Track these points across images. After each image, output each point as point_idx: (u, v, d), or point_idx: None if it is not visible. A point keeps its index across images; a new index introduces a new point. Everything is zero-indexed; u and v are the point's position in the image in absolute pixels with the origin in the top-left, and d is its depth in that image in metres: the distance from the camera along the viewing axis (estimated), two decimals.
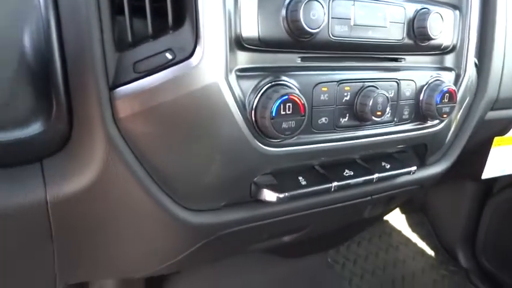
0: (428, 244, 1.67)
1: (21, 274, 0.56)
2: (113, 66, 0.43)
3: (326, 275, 1.41)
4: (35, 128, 0.44)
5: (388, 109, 0.56)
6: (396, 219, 1.73)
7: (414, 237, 1.69)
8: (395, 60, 0.62)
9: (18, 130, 0.44)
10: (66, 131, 0.46)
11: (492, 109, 0.85)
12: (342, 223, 0.85)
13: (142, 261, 0.59)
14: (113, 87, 0.43)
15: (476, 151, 0.89)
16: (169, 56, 0.42)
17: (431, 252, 1.65)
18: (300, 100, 0.47)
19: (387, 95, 0.56)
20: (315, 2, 0.46)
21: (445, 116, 0.63)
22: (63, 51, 0.43)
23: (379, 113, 0.55)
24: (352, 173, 0.60)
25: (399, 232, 1.70)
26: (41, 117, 0.45)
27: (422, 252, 1.65)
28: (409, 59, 0.63)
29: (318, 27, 0.47)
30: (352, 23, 0.53)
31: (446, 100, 0.62)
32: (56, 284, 0.59)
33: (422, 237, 1.67)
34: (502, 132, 0.93)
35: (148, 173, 0.46)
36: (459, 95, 0.67)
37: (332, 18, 0.50)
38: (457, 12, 0.65)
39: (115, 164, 0.44)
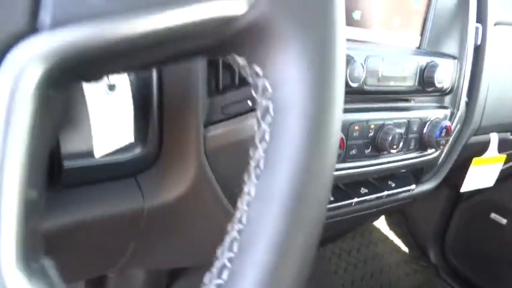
0: (404, 241, 1.86)
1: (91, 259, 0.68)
2: (206, 109, 0.55)
3: (318, 268, 1.57)
4: (133, 153, 0.56)
5: (401, 143, 0.71)
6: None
7: (392, 235, 1.88)
8: (407, 101, 0.76)
9: (119, 154, 0.55)
10: (157, 153, 0.58)
11: (474, 135, 1.01)
12: (344, 228, 1.00)
13: (202, 252, 0.72)
14: (205, 125, 0.55)
15: (458, 168, 1.06)
16: (249, 103, 0.55)
17: (405, 249, 1.85)
18: (340, 137, 0.61)
19: (401, 131, 0.71)
20: (357, 63, 0.60)
21: (441, 146, 0.79)
22: (162, 92, 0.55)
23: (394, 146, 0.70)
24: (367, 191, 0.75)
25: (379, 230, 1.88)
26: (139, 144, 0.56)
27: (398, 248, 1.85)
28: (417, 100, 0.78)
29: (358, 82, 0.61)
30: (380, 75, 0.67)
31: (443, 134, 0.77)
32: (113, 266, 0.71)
33: (399, 235, 1.87)
34: (480, 153, 1.10)
35: (223, 190, 0.59)
36: (453, 129, 0.83)
37: (367, 72, 0.64)
38: (456, 61, 0.81)
39: (201, 183, 0.56)
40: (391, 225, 1.90)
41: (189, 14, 0.18)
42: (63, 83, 0.19)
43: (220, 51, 0.23)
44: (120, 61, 0.19)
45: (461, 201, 1.70)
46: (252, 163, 0.22)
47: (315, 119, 0.20)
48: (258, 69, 0.21)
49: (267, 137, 0.21)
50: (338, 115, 0.22)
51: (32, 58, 0.16)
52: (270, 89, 0.21)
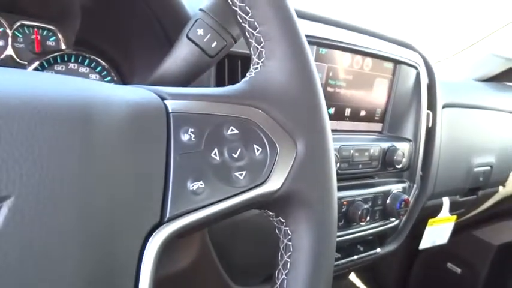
0: (369, 285, 1.99)
1: None
2: None
3: None
4: None
5: (368, 216, 0.84)
6: None
7: (358, 281, 2.00)
8: (372, 178, 0.91)
9: None
10: None
11: (429, 199, 1.17)
12: None
13: None
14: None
15: (416, 228, 1.21)
16: None
17: None
18: None
19: (368, 206, 0.84)
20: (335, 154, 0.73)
21: (401, 216, 0.93)
22: None
23: (363, 219, 0.83)
24: (339, 255, 0.87)
25: (349, 280, 2.00)
26: None
27: None
28: (380, 177, 0.92)
29: None
30: (351, 162, 0.81)
31: (403, 206, 0.91)
32: None
33: (366, 280, 1.99)
34: (434, 214, 1.26)
35: (221, 262, 0.69)
36: (411, 200, 0.97)
37: (340, 159, 0.78)
38: (412, 143, 0.96)
39: (204, 257, 0.67)
40: (359, 276, 2.03)
41: (253, 195, 0.30)
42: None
43: (256, 207, 0.34)
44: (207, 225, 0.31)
45: (420, 252, 1.86)
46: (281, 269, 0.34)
47: (320, 249, 0.32)
48: (282, 220, 0.33)
49: (288, 266, 0.33)
50: (334, 242, 0.34)
51: (160, 243, 0.27)
52: (290, 234, 0.33)
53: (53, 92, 0.25)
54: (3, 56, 0.66)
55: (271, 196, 0.31)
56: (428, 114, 1.04)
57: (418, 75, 0.97)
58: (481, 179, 1.37)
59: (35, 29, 0.70)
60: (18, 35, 0.68)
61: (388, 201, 0.92)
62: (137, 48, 0.69)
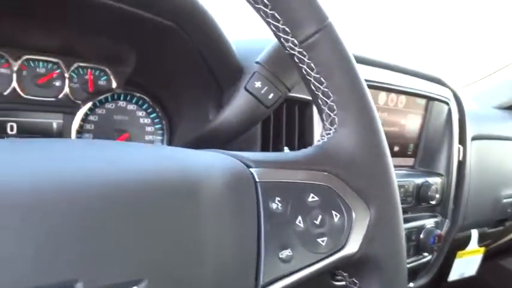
0: None
1: None
2: None
3: None
4: None
5: None
6: None
7: None
8: (406, 213, 0.92)
9: None
10: None
11: (458, 232, 1.17)
12: None
13: None
14: None
15: (445, 260, 1.21)
16: None
17: None
18: None
19: None
20: None
21: (435, 251, 0.93)
22: None
23: None
24: None
25: None
26: None
27: None
28: (413, 212, 0.93)
29: None
30: None
31: (437, 241, 0.92)
32: None
33: None
34: (463, 246, 1.25)
35: None
36: (443, 234, 0.98)
37: None
38: (444, 177, 0.97)
39: None
40: None
41: (334, 259, 0.32)
42: None
43: (334, 269, 0.36)
44: None
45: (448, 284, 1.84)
46: None
47: None
48: (356, 280, 0.35)
49: None
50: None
51: None
52: None
53: (156, 168, 0.28)
54: (60, 95, 0.70)
55: (349, 259, 0.33)
56: (459, 148, 1.05)
57: (449, 110, 0.99)
58: (509, 210, 1.36)
59: (89, 70, 0.74)
60: (74, 75, 0.72)
61: (421, 236, 0.92)
62: (185, 89, 0.72)
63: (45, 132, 0.70)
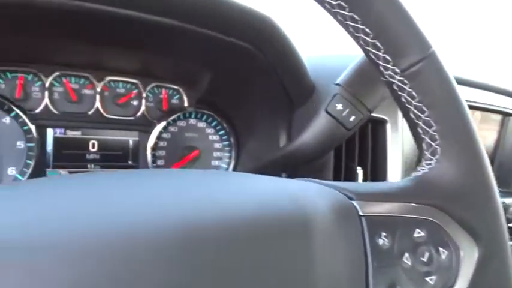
0: None
1: None
2: None
3: None
4: None
5: None
6: None
7: None
8: None
9: None
10: None
11: None
12: None
13: None
14: None
15: None
16: None
17: None
18: None
19: None
20: None
21: None
22: None
23: None
24: None
25: None
26: None
27: None
28: None
29: None
30: None
31: None
32: None
33: None
34: None
35: None
36: None
37: None
38: None
39: None
40: None
41: None
42: None
43: None
44: None
45: None
46: None
47: None
48: None
49: None
50: None
51: None
52: None
53: (265, 202, 0.28)
54: (138, 114, 0.73)
55: None
56: None
57: None
58: None
59: (164, 90, 0.77)
60: (150, 95, 0.75)
61: None
62: (256, 108, 0.73)
63: (122, 149, 0.73)
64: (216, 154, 0.81)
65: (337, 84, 0.53)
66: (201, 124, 0.80)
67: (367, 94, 0.51)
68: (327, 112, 0.52)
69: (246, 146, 0.80)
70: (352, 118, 0.51)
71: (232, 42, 0.55)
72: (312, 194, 0.31)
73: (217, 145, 0.81)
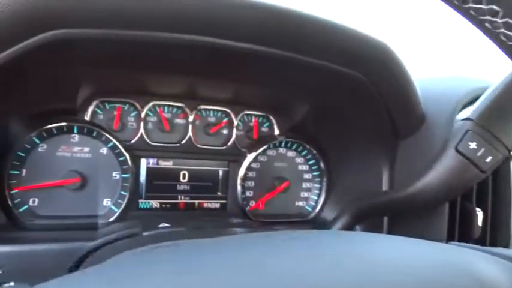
0: None
1: None
2: None
3: None
4: None
5: None
6: None
7: None
8: None
9: None
10: None
11: None
12: None
13: None
14: None
15: None
16: None
17: None
18: None
19: None
20: None
21: None
22: None
23: None
24: None
25: None
26: None
27: None
28: None
29: None
30: None
31: None
32: None
33: None
34: None
35: None
36: None
37: None
38: None
39: None
40: None
41: None
42: None
43: None
44: None
45: None
46: None
47: None
48: None
49: None
50: None
51: None
52: None
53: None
54: (228, 144, 0.71)
55: None
56: None
57: None
58: None
59: (255, 118, 0.74)
60: (240, 123, 0.72)
61: None
62: (355, 139, 0.67)
63: (212, 180, 0.71)
64: (305, 185, 0.76)
65: (467, 119, 0.46)
66: (291, 153, 0.75)
67: (505, 130, 0.44)
68: (458, 151, 0.45)
69: (339, 178, 0.74)
70: (488, 159, 0.44)
71: (339, 71, 0.50)
72: (493, 269, 0.25)
73: (306, 175, 0.77)
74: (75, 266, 0.51)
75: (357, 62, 0.49)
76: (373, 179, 0.65)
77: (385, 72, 0.51)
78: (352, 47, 0.47)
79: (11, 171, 0.57)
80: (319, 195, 0.76)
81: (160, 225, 0.50)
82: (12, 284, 0.27)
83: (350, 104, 0.60)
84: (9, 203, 0.57)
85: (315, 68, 0.49)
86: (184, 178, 0.69)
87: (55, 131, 0.59)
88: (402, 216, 0.61)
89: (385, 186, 0.64)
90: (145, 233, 0.47)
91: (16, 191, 0.58)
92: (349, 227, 0.60)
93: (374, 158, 0.65)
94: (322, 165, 0.75)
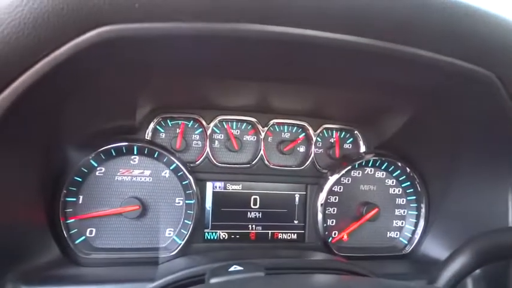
0: None
1: None
2: None
3: None
4: None
5: None
6: None
7: None
8: None
9: None
10: None
11: None
12: None
13: None
14: None
15: None
16: None
17: None
18: None
19: None
20: None
21: None
22: None
23: None
24: None
25: None
26: None
27: None
28: None
29: None
30: None
31: None
32: None
33: None
34: None
35: None
36: None
37: None
38: None
39: None
40: None
41: None
42: None
43: None
44: None
45: None
46: None
47: None
48: None
49: None
50: None
51: None
52: None
53: None
54: (306, 164, 0.60)
55: None
56: None
57: None
58: None
59: (336, 132, 0.63)
60: (319, 139, 0.62)
61: None
62: (468, 155, 0.54)
63: (287, 206, 0.60)
64: (398, 212, 0.63)
65: None
66: (380, 174, 0.63)
67: None
68: None
69: (444, 203, 0.60)
70: None
71: (464, 70, 0.38)
72: None
73: (399, 201, 0.64)
74: None
75: (491, 57, 0.37)
76: (495, 207, 0.51)
77: None
78: (488, 38, 0.35)
79: (67, 199, 0.51)
80: (416, 225, 0.62)
81: (231, 269, 0.40)
82: None
83: (468, 112, 0.47)
84: (65, 234, 0.50)
85: (434, 67, 0.37)
86: (255, 204, 0.60)
87: (113, 153, 0.53)
88: None
89: None
90: (212, 280, 0.38)
91: (72, 220, 0.51)
92: (467, 271, 0.46)
93: (498, 180, 0.51)
94: (419, 187, 0.62)
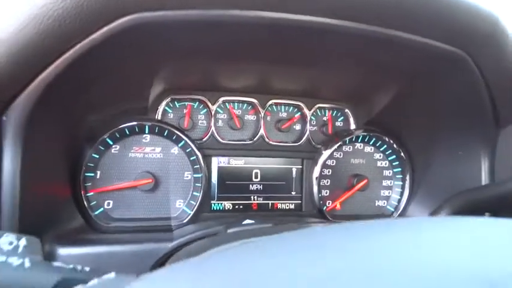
0: None
1: None
2: None
3: None
4: None
5: None
6: None
7: None
8: None
9: None
10: None
11: None
12: None
13: None
14: None
15: None
16: None
17: None
18: None
19: None
20: None
21: None
22: None
23: None
24: None
25: None
26: None
27: None
28: None
29: None
30: None
31: None
32: None
33: None
34: None
35: None
36: None
37: None
38: None
39: None
40: None
41: None
42: None
43: None
44: None
45: None
46: None
47: None
48: None
49: None
50: None
51: None
52: None
53: None
54: (302, 140, 0.66)
55: None
56: None
57: None
58: None
59: (329, 111, 0.69)
60: (313, 118, 0.68)
61: None
62: (445, 128, 0.60)
63: (285, 179, 0.66)
64: (385, 183, 0.70)
65: None
66: (368, 148, 0.69)
67: None
68: None
69: (425, 173, 0.67)
70: None
71: (438, 49, 0.44)
72: None
73: (386, 172, 0.70)
74: (160, 264, 0.49)
75: (462, 37, 0.43)
76: (469, 172, 0.58)
77: (493, 50, 0.44)
78: (459, 20, 0.41)
79: (86, 174, 0.56)
80: (401, 194, 0.69)
81: (245, 222, 0.46)
82: (113, 275, 0.24)
83: (444, 88, 0.54)
84: (86, 205, 0.56)
85: (412, 47, 0.43)
86: (256, 177, 0.65)
87: (127, 132, 0.58)
88: (506, 214, 0.53)
89: (484, 180, 0.56)
90: (230, 230, 0.44)
91: (92, 193, 0.56)
92: None
93: (470, 149, 0.58)
94: (404, 159, 0.68)
